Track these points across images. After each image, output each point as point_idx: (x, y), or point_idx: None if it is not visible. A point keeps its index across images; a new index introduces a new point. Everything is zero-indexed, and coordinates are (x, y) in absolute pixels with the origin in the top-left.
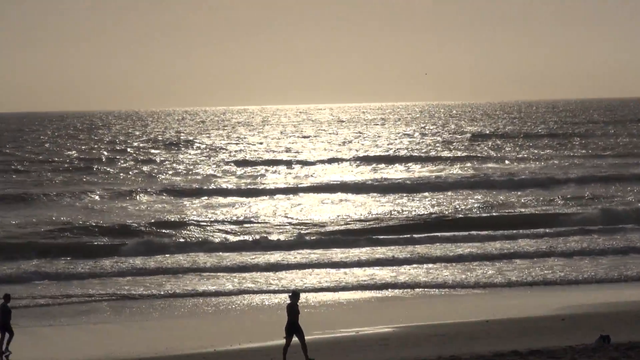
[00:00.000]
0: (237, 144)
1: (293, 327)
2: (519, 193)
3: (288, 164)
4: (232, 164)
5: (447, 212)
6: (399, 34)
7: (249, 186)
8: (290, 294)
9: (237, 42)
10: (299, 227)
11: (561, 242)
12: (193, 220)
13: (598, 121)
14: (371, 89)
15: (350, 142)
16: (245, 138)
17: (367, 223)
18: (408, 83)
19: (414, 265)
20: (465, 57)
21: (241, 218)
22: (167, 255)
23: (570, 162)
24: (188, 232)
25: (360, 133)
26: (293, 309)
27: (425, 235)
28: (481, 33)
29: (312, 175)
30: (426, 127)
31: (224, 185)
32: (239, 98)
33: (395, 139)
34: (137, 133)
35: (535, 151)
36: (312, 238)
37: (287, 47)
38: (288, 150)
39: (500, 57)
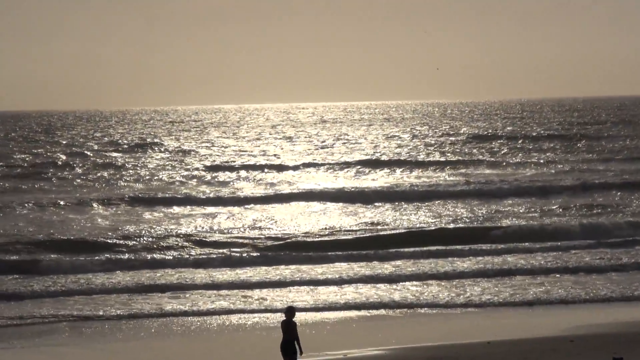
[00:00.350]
0: (208, 147)
1: (289, 346)
2: (516, 201)
3: (263, 169)
4: (202, 169)
5: (437, 224)
6: (390, 27)
7: (219, 194)
8: (285, 310)
9: (213, 34)
10: (274, 239)
11: (566, 256)
12: (158, 232)
13: (606, 121)
14: (359, 87)
15: (332, 145)
16: (217, 140)
17: (350, 235)
18: (399, 81)
19: (405, 282)
20: (465, 52)
21: (210, 230)
22: (129, 272)
23: (574, 167)
24: (153, 246)
25: (344, 134)
26: (288, 326)
27: (416, 249)
28: (481, 27)
29: (287, 182)
30: (416, 128)
31: (192, 193)
32: (214, 96)
33: (381, 142)
34: (98, 135)
35: (536, 154)
36: (288, 252)
37: (267, 40)
38: (263, 153)
39: (502, 53)
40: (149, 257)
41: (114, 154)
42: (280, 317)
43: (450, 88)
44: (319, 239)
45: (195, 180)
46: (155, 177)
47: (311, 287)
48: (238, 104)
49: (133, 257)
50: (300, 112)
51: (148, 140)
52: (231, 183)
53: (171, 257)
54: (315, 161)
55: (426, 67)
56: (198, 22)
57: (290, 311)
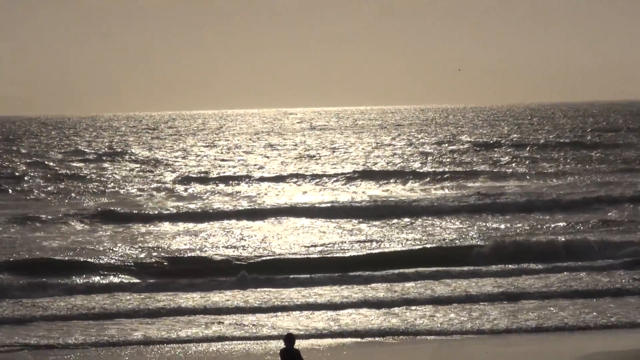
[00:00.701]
0: (184, 157)
1: None
2: (524, 216)
3: (242, 180)
4: (173, 181)
5: (436, 242)
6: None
7: (192, 209)
8: (284, 338)
9: (195, 32)
10: (255, 259)
11: (578, 277)
12: (124, 251)
13: (622, 128)
14: (355, 91)
15: (317, 155)
16: (192, 149)
17: (341, 253)
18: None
19: (403, 307)
20: (472, 54)
21: (182, 248)
22: (95, 296)
23: (587, 178)
24: (118, 267)
25: (332, 142)
26: (287, 355)
27: (413, 270)
28: (491, 28)
29: (267, 195)
30: (415, 135)
31: (162, 208)
32: (194, 101)
33: (373, 150)
34: (63, 143)
35: (547, 165)
36: (269, 274)
37: (254, 40)
38: (243, 164)
39: (514, 56)
40: (115, 280)
41: (78, 164)
42: (273, 344)
43: (453, 92)
44: (304, 257)
45: (164, 192)
46: (121, 190)
47: (298, 312)
48: (221, 109)
49: (96, 280)
50: (286, 118)
51: (117, 149)
52: (203, 197)
53: (139, 280)
54: (295, 172)
55: (430, 70)
56: (178, 22)
57: (289, 339)
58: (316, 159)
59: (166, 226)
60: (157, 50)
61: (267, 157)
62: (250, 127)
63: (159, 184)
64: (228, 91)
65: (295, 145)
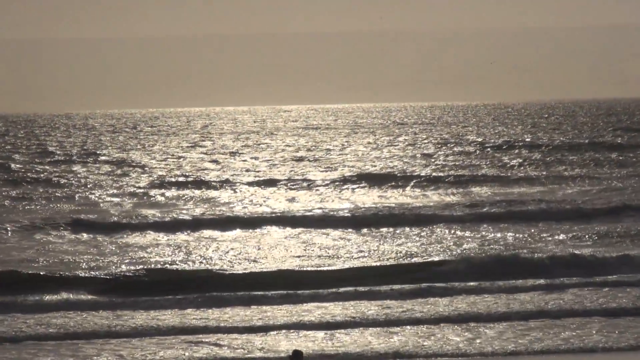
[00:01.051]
0: (164, 159)
1: None
2: (540, 226)
3: (224, 185)
4: (150, 186)
5: (440, 255)
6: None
7: (168, 217)
8: (290, 355)
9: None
10: (227, 273)
11: (601, 293)
12: (90, 264)
13: None
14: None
15: (307, 158)
16: (173, 150)
17: (337, 267)
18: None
19: (409, 327)
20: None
21: (153, 261)
22: (53, 314)
23: (606, 184)
24: (86, 281)
25: (326, 143)
26: None
27: (416, 286)
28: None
29: (251, 202)
30: (415, 134)
31: (136, 217)
32: (182, 97)
33: (371, 152)
34: (32, 143)
35: (562, 168)
36: (253, 290)
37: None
38: (227, 167)
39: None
40: (83, 297)
41: (43, 167)
42: None
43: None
44: (286, 269)
45: (138, 198)
46: (91, 196)
47: (285, 331)
48: (209, 106)
49: (64, 296)
50: (278, 115)
51: (90, 150)
52: (181, 204)
53: (107, 300)
54: (284, 176)
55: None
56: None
57: (297, 356)
58: (307, 162)
59: (139, 236)
60: (139, 40)
61: (254, 159)
62: (238, 126)
63: (134, 189)
64: (216, 87)
65: (287, 146)
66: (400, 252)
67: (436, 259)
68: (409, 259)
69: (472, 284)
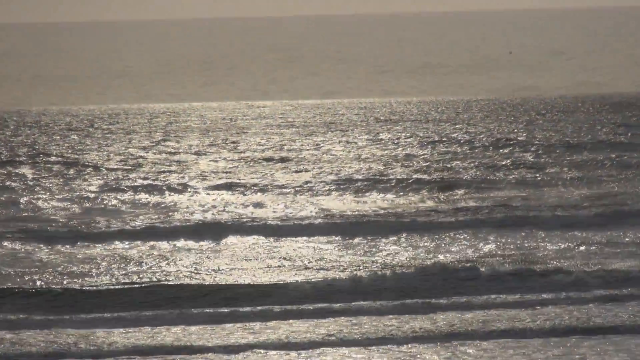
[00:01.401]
0: (121, 160)
1: None
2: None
3: (184, 190)
4: (101, 191)
5: (447, 265)
6: None
7: (112, 227)
8: None
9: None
10: (196, 289)
11: (622, 307)
12: (42, 279)
13: None
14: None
15: (281, 159)
16: (130, 150)
17: (325, 283)
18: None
19: (411, 345)
20: None
21: (115, 275)
22: (25, 331)
23: (608, 189)
24: (38, 297)
25: (300, 142)
26: None
27: (421, 301)
28: None
29: (213, 208)
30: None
31: (77, 225)
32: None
33: (350, 152)
34: None
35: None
36: (219, 308)
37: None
38: (188, 168)
39: None
40: (51, 317)
41: None
42: None
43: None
44: (251, 283)
45: (86, 205)
46: (37, 202)
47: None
48: (173, 102)
49: (20, 315)
50: (252, 110)
51: (37, 149)
52: (136, 210)
53: (68, 317)
54: (249, 180)
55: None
56: None
57: None
58: (277, 163)
59: (89, 247)
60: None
61: (218, 160)
62: (205, 123)
63: (84, 193)
64: (183, 80)
65: (257, 145)
66: (376, 263)
67: (412, 270)
68: (384, 271)
69: (454, 299)
